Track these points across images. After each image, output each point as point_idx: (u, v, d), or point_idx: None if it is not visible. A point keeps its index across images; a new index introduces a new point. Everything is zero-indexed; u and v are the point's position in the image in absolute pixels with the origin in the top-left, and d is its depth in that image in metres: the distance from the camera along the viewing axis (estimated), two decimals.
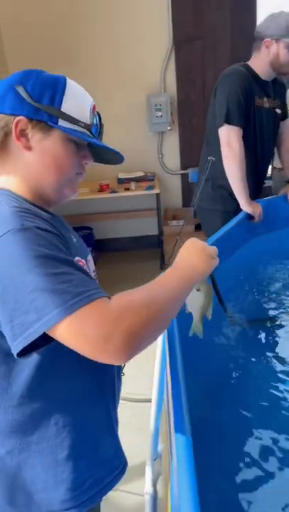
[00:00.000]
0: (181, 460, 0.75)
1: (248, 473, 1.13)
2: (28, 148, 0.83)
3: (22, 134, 0.83)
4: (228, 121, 2.09)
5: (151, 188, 3.70)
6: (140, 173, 3.90)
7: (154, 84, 3.74)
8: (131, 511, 1.68)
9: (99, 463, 0.93)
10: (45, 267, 0.68)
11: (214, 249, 0.92)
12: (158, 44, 3.74)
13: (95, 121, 0.89)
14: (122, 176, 3.86)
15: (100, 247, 4.17)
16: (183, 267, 0.85)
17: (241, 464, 1.16)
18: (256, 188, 2.36)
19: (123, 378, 1.01)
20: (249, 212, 2.19)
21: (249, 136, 2.17)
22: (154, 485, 1.16)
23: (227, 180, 2.19)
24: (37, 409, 0.84)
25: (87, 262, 0.97)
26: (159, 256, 3.91)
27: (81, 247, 0.98)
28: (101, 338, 0.66)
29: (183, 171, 4.06)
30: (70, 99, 0.84)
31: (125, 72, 3.80)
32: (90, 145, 0.89)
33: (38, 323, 0.66)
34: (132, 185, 3.70)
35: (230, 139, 2.10)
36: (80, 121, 0.85)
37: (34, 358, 0.79)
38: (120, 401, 1.02)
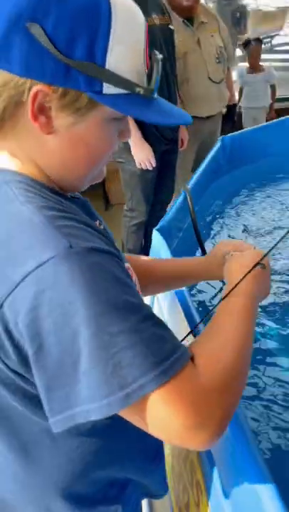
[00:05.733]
0: None
1: None
2: (50, 132, 0.56)
3: (41, 110, 0.54)
4: None
5: None
6: None
7: None
8: None
9: None
10: (108, 322, 0.48)
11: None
12: None
13: (154, 70, 0.58)
14: None
15: None
16: (252, 301, 0.66)
17: None
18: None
19: None
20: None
21: None
22: None
23: None
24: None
25: None
26: (102, 195, 3.57)
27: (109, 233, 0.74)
28: (190, 427, 0.50)
29: None
30: (119, 42, 0.53)
31: None
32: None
33: (88, 405, 0.48)
34: None
35: None
36: (138, 86, 0.56)
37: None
38: None
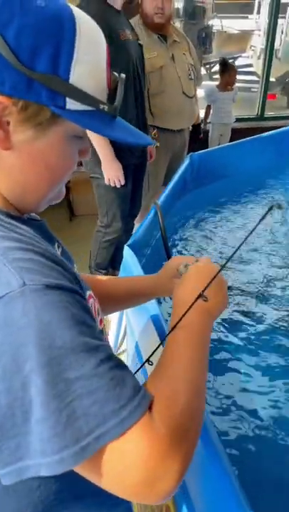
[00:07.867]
0: None
1: None
2: (7, 148, 0.53)
3: None
4: None
5: None
6: None
7: None
8: None
9: None
10: (63, 368, 0.44)
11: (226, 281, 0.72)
12: None
13: (119, 88, 0.57)
14: None
15: None
16: (201, 317, 0.63)
17: None
18: (141, 119, 2.29)
19: None
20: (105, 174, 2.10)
21: (128, 72, 2.04)
22: None
23: None
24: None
25: None
26: (66, 206, 3.48)
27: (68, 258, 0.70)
28: (149, 482, 0.46)
29: None
30: (83, 57, 0.51)
31: None
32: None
33: (39, 460, 0.44)
34: None
35: None
36: (102, 103, 0.53)
37: None
38: None
